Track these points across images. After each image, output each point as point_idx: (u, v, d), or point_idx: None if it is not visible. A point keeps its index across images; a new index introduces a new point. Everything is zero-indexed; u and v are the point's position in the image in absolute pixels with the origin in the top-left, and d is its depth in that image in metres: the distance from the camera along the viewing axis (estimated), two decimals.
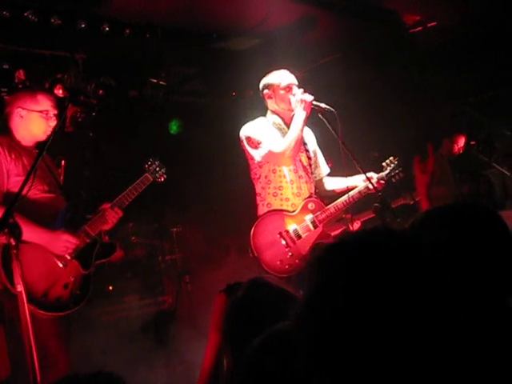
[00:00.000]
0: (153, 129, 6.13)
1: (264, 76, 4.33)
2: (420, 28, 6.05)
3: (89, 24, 4.77)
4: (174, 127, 6.34)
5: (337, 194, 4.37)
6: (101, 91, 5.13)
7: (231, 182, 6.12)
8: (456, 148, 6.86)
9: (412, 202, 5.22)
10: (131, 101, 5.74)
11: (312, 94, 4.05)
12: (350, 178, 4.29)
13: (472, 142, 6.83)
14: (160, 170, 4.40)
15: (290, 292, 1.94)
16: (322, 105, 3.98)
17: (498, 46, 6.39)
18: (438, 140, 6.93)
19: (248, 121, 4.32)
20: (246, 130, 4.22)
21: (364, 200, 4.30)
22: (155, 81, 5.68)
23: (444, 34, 6.07)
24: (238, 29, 5.50)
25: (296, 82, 4.22)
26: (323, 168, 4.51)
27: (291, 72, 4.31)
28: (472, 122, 7.19)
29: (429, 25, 5.99)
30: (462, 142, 6.87)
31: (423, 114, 7.02)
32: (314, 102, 4.00)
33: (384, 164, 4.37)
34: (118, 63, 5.31)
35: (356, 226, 4.94)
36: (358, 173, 4.17)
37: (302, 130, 4.06)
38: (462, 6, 5.55)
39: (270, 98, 4.26)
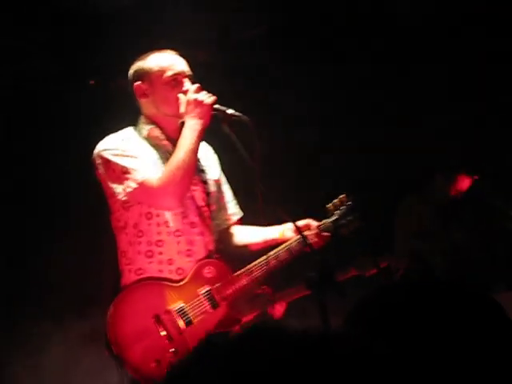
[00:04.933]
0: None
1: (136, 60, 3.51)
2: None
3: None
4: None
5: (252, 254, 3.64)
6: None
7: (78, 229, 5.08)
8: (454, 190, 5.45)
9: (369, 274, 4.20)
10: None
11: (214, 94, 3.35)
12: (271, 229, 3.62)
13: (475, 177, 5.37)
14: None
15: None
16: (230, 110, 3.34)
17: None
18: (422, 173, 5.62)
19: (109, 132, 3.46)
20: (104, 150, 3.38)
21: (293, 264, 3.52)
22: None
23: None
24: None
25: (188, 72, 3.46)
26: (232, 209, 3.78)
27: (182, 56, 3.52)
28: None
29: None
30: (465, 184, 5.46)
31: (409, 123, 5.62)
32: (216, 106, 3.34)
33: (330, 206, 3.63)
34: None
35: (279, 309, 4.14)
36: (285, 220, 3.51)
37: (195, 151, 3.32)
38: None
39: (144, 95, 3.45)
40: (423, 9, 5.14)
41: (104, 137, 3.42)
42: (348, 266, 4.26)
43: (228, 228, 3.78)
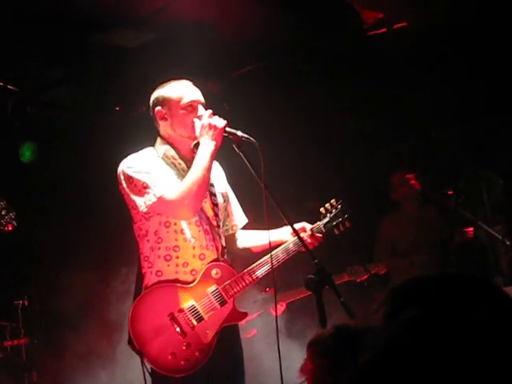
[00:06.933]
0: None
1: (157, 87, 3.80)
2: (384, 29, 5.36)
3: None
4: (26, 153, 5.41)
5: (254, 255, 3.88)
6: None
7: (109, 237, 5.45)
8: (409, 188, 5.92)
9: (360, 280, 4.54)
10: None
11: (225, 118, 3.63)
12: (273, 232, 3.81)
13: (449, 192, 5.80)
14: (6, 215, 3.99)
15: None
16: (239, 133, 3.61)
17: (487, 56, 5.69)
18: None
19: (132, 151, 3.76)
20: (126, 167, 3.67)
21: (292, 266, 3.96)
22: (1, 84, 5.03)
23: (409, 38, 5.41)
24: (127, 18, 4.97)
25: (202, 99, 3.76)
26: (237, 217, 4.04)
27: (196, 85, 3.81)
28: (450, 165, 6.16)
29: (396, 26, 5.32)
30: (402, 177, 5.97)
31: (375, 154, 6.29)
32: (228, 129, 3.61)
33: (322, 210, 3.91)
34: None
35: (279, 308, 4.44)
36: (285, 225, 3.74)
37: (209, 169, 3.61)
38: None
39: (163, 118, 3.74)
40: None
41: (127, 156, 3.70)
42: (341, 272, 4.53)
43: (234, 233, 4.03)
